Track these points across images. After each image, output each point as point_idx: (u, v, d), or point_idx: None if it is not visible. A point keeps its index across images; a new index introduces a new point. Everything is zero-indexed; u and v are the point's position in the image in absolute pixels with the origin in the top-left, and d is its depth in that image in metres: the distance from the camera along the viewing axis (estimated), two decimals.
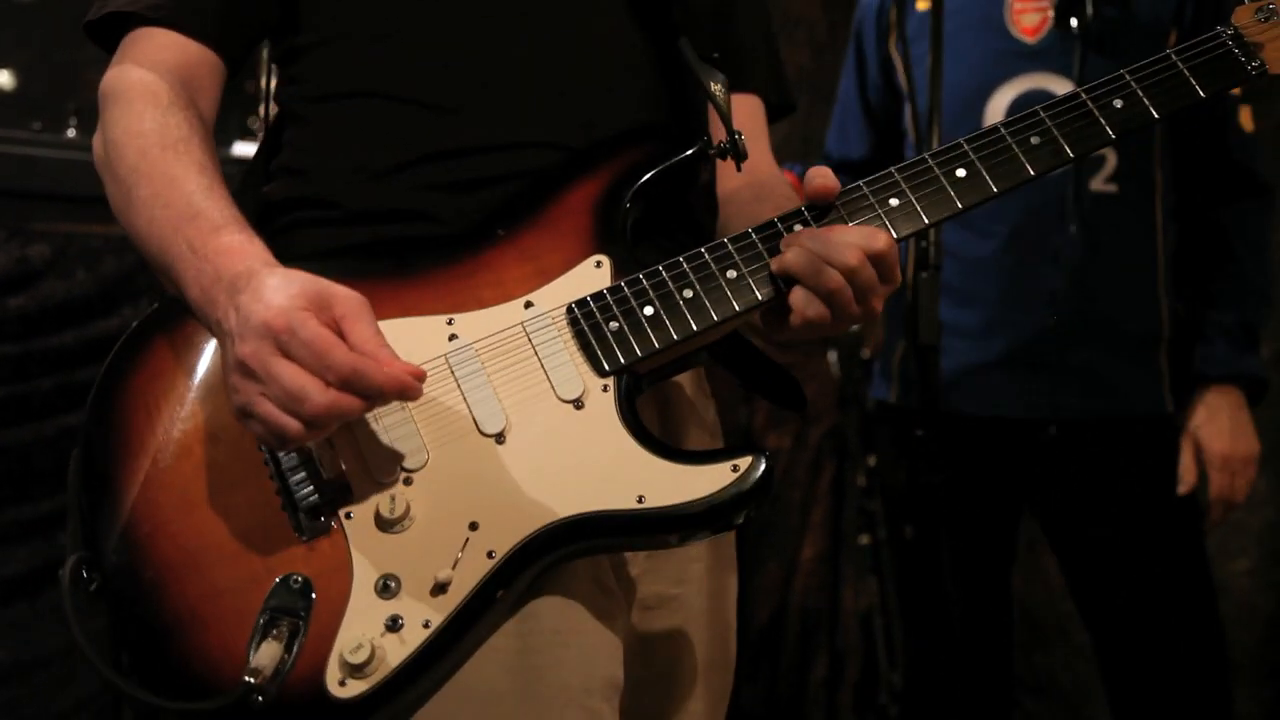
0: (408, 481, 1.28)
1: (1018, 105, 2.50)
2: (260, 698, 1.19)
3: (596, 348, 1.33)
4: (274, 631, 1.22)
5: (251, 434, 1.23)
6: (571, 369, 1.32)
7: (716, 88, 1.44)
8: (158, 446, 1.31)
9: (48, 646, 2.84)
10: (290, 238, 1.43)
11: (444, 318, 1.34)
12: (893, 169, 1.40)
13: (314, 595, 1.24)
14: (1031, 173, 1.40)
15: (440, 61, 1.45)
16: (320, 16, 1.48)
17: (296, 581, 1.25)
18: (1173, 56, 1.43)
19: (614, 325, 1.33)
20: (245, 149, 3.16)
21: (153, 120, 1.36)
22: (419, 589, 1.24)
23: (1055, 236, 2.49)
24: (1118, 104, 1.42)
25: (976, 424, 2.55)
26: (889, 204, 1.38)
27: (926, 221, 1.38)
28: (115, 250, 2.93)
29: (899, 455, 2.73)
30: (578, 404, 1.31)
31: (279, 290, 1.19)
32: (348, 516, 1.27)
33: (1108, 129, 1.41)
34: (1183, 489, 2.49)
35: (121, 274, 2.96)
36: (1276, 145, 2.94)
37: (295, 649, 1.22)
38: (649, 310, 1.34)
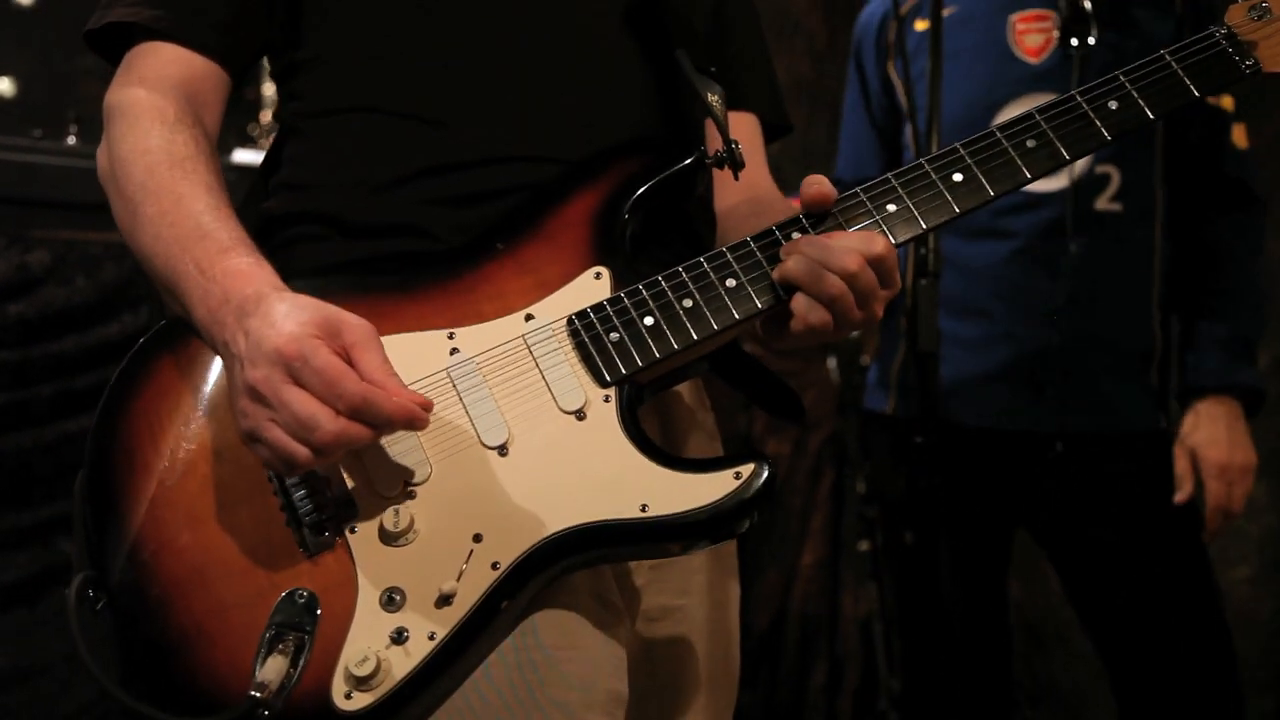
0: (411, 495, 1.28)
1: None
2: (266, 712, 1.19)
3: (597, 359, 1.33)
4: (280, 646, 1.23)
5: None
6: (573, 380, 1.32)
7: (714, 98, 1.43)
8: (163, 464, 1.32)
9: (48, 652, 2.84)
10: (291, 252, 1.44)
11: (445, 332, 1.34)
12: (890, 175, 1.40)
13: (319, 610, 1.25)
14: (1028, 176, 1.39)
15: (439, 77, 1.46)
16: (321, 31, 1.48)
17: (302, 596, 1.25)
18: (1166, 56, 1.43)
19: (614, 336, 1.34)
20: (244, 156, 3.16)
21: (159, 138, 1.37)
22: (424, 601, 1.24)
23: (1057, 253, 2.49)
24: (1113, 105, 1.42)
25: (976, 434, 2.55)
26: (886, 209, 1.38)
27: (924, 226, 1.38)
28: (115, 257, 2.93)
29: (896, 463, 2.73)
30: (579, 415, 1.31)
31: (290, 316, 1.19)
32: (352, 531, 1.27)
33: (1104, 130, 1.41)
34: (1180, 497, 2.49)
35: (121, 281, 2.96)
36: (1272, 157, 2.94)
37: (301, 663, 1.22)
38: (649, 320, 1.34)
